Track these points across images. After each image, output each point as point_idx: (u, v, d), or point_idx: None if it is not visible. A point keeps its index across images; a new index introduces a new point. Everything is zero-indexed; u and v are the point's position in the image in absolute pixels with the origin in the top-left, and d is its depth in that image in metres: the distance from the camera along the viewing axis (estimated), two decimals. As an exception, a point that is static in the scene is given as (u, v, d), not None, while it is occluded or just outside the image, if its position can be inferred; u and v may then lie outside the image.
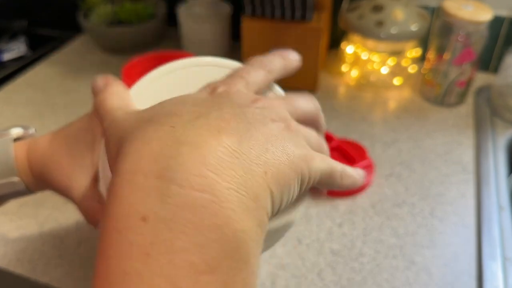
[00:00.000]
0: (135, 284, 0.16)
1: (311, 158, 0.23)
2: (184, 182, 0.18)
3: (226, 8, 0.77)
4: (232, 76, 0.26)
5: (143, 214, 0.17)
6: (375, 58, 0.72)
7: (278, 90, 0.30)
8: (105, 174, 0.27)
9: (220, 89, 0.24)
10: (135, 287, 0.16)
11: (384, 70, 0.73)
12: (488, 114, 0.67)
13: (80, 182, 0.32)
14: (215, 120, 0.21)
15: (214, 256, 0.17)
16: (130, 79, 0.51)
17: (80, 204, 0.33)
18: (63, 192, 0.33)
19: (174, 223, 0.17)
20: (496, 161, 0.59)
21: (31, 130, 0.36)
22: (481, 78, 0.75)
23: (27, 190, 0.34)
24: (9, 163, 0.32)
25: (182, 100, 0.23)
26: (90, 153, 0.32)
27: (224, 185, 0.18)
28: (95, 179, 0.32)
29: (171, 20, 0.83)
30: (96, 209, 0.32)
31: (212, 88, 0.25)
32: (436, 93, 0.68)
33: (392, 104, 0.70)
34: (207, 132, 0.20)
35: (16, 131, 0.35)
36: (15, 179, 0.33)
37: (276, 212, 0.21)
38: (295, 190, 0.22)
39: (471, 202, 0.53)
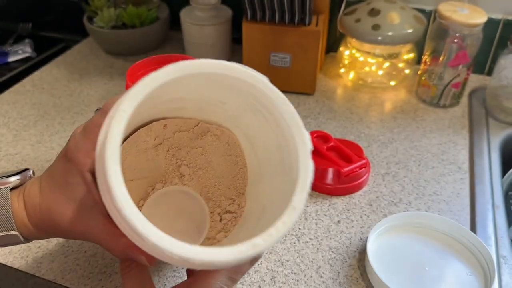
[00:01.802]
0: None
1: None
2: None
3: (228, 12, 0.79)
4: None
5: None
6: (372, 60, 0.73)
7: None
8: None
9: None
10: None
11: (381, 72, 0.74)
12: (483, 115, 0.69)
13: (93, 222, 0.31)
14: None
15: None
16: (133, 82, 0.52)
17: (104, 244, 0.32)
18: (80, 237, 0.32)
19: None
20: (490, 161, 0.60)
21: (29, 173, 0.35)
22: (476, 80, 0.76)
23: (25, 240, 0.34)
24: (8, 216, 0.32)
25: None
26: (86, 192, 0.31)
27: None
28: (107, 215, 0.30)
29: (174, 23, 0.85)
30: (121, 243, 0.31)
31: None
32: (432, 94, 0.70)
33: (388, 105, 0.71)
34: None
35: (14, 180, 0.34)
36: (14, 232, 0.33)
37: None
38: None
39: (466, 201, 0.54)
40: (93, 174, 0.31)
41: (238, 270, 0.31)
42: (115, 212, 0.25)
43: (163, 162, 0.36)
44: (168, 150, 0.36)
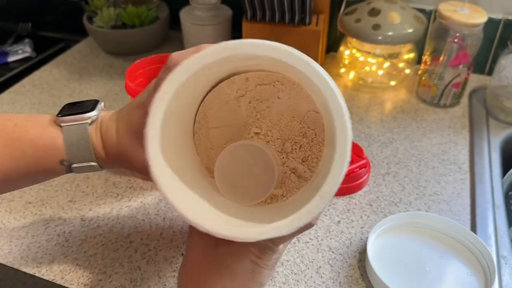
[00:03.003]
0: None
1: None
2: None
3: (228, 12, 0.79)
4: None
5: None
6: (372, 60, 0.73)
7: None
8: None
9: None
10: None
11: (381, 72, 0.74)
12: (483, 115, 0.69)
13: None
14: None
15: None
16: (133, 81, 0.52)
17: None
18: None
19: None
20: (491, 160, 0.60)
21: (101, 106, 0.39)
22: (476, 80, 0.76)
23: (101, 168, 0.38)
24: (89, 149, 0.36)
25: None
26: None
27: None
28: None
29: (174, 23, 0.85)
30: None
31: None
32: (432, 94, 0.70)
33: (389, 105, 0.71)
34: None
35: (91, 115, 0.37)
36: (93, 163, 0.37)
37: None
38: None
39: (466, 201, 0.54)
40: None
41: (267, 246, 0.33)
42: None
43: (245, 113, 0.37)
44: (249, 102, 0.37)
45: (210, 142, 0.36)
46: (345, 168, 0.27)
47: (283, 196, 0.36)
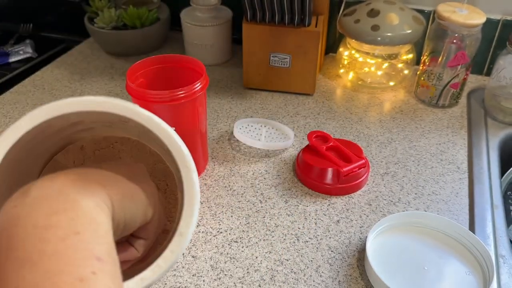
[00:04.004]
0: None
1: None
2: None
3: (228, 13, 0.79)
4: None
5: None
6: (371, 61, 0.74)
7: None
8: None
9: None
10: None
11: (380, 73, 0.75)
12: (481, 115, 0.69)
13: None
14: None
15: None
16: (134, 82, 0.52)
17: None
18: None
19: None
20: (489, 160, 0.61)
21: None
22: (475, 80, 0.77)
23: None
24: None
25: None
26: None
27: None
28: None
29: (174, 24, 0.85)
30: None
31: None
32: (430, 94, 0.70)
33: (387, 106, 0.72)
34: None
35: None
36: None
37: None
38: None
39: (465, 201, 0.54)
40: None
41: None
42: None
43: None
44: None
45: None
46: (196, 203, 0.28)
47: (149, 256, 0.35)
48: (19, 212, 0.23)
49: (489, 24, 0.71)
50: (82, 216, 0.24)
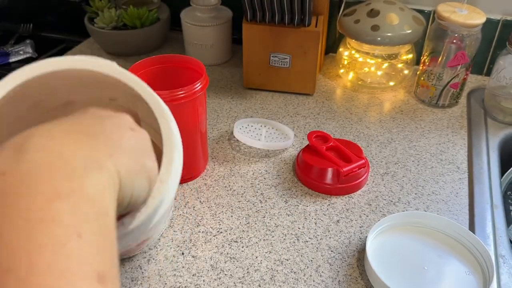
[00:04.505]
0: None
1: None
2: None
3: (228, 13, 0.79)
4: None
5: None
6: (371, 61, 0.74)
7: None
8: None
9: None
10: None
11: (380, 73, 0.75)
12: (481, 115, 0.69)
13: None
14: None
15: None
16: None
17: None
18: None
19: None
20: (489, 160, 0.61)
21: None
22: (475, 80, 0.77)
23: None
24: None
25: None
26: None
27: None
28: None
29: (174, 24, 0.85)
30: None
31: None
32: (430, 94, 0.70)
33: (387, 106, 0.72)
34: None
35: None
36: None
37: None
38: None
39: (465, 201, 0.54)
40: None
41: None
42: None
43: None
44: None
45: None
46: (177, 151, 0.29)
47: None
48: (7, 187, 0.17)
49: (489, 24, 0.71)
50: (88, 204, 0.19)
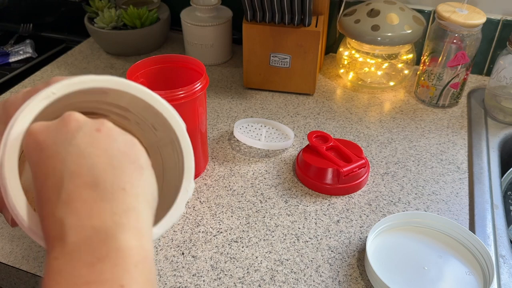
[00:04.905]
0: None
1: None
2: None
3: (228, 13, 0.79)
4: None
5: None
6: (371, 61, 0.74)
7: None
8: None
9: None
10: None
11: (380, 73, 0.75)
12: (481, 115, 0.69)
13: None
14: None
15: None
16: (133, 82, 0.52)
17: None
18: None
19: None
20: (489, 160, 0.61)
21: None
22: (475, 80, 0.77)
23: None
24: None
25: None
26: None
27: None
28: None
29: (174, 24, 0.85)
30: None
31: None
32: (430, 94, 0.70)
33: (387, 106, 0.72)
34: None
35: None
36: None
37: None
38: None
39: (465, 201, 0.54)
40: None
41: None
42: None
43: None
44: None
45: None
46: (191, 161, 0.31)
47: None
48: (60, 266, 0.23)
49: (489, 24, 0.71)
50: (125, 259, 0.23)
